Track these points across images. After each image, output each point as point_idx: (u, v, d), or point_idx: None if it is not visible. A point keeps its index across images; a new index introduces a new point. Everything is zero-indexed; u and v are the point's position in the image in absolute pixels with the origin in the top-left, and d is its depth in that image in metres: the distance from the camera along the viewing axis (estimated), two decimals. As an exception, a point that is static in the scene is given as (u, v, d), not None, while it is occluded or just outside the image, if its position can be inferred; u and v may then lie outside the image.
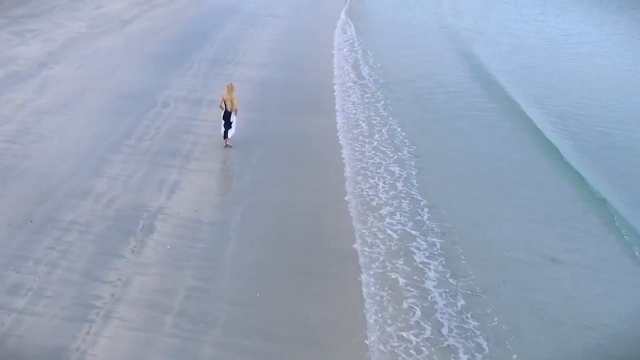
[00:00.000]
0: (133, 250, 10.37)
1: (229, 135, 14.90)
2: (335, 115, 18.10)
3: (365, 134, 16.88)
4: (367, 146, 16.01)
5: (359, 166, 14.78)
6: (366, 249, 11.26)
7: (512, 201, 14.09)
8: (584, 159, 16.39)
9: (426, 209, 12.87)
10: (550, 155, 16.68)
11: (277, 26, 29.81)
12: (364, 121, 17.83)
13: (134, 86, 18.76)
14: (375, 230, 11.92)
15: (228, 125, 14.81)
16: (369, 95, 20.30)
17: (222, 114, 14.71)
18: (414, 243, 11.57)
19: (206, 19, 29.59)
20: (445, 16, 35.92)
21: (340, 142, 16.17)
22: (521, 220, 13.20)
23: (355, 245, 11.29)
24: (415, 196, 13.44)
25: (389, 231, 11.90)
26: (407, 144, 16.29)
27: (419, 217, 12.56)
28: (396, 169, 14.72)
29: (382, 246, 11.37)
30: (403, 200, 13.18)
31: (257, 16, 31.40)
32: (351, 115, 18.25)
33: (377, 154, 15.55)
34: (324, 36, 28.40)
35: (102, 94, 17.82)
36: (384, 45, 28.10)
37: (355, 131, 17.00)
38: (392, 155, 15.54)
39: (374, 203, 12.97)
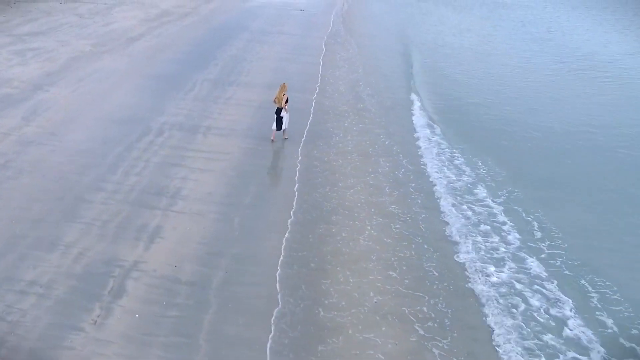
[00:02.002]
0: (95, 322, 8.36)
1: (282, 129, 15.52)
2: (346, 148, 15.98)
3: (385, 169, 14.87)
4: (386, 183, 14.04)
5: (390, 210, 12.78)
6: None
7: None
8: None
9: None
10: None
11: (284, 44, 27.75)
12: (383, 156, 15.73)
13: (130, 111, 16.79)
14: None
15: (279, 120, 15.36)
16: (370, 121, 18.25)
17: (275, 109, 15.45)
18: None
19: (213, 37, 27.58)
20: (447, 34, 33.62)
21: (349, 174, 14.15)
22: None
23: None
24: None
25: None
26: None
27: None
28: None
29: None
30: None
31: (265, 33, 29.35)
32: (368, 149, 16.14)
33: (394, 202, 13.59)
34: (331, 55, 26.31)
35: (94, 120, 15.86)
36: (390, 66, 26.01)
37: (368, 168, 14.89)
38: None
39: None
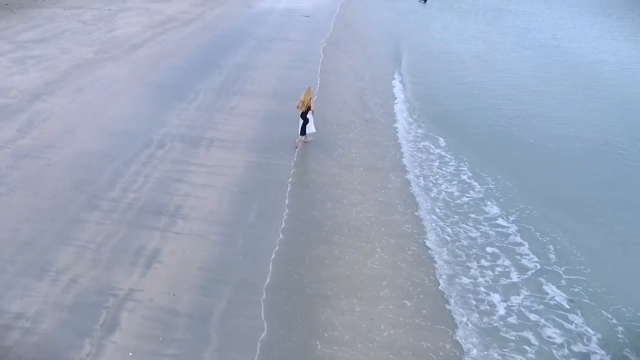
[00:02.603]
0: (84, 361, 7.59)
1: (307, 132, 15.17)
2: (352, 162, 15.11)
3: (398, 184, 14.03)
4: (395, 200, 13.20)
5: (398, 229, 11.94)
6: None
7: None
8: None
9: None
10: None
11: (290, 51, 26.89)
12: (394, 171, 14.93)
13: (130, 122, 15.98)
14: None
15: (304, 124, 15.04)
16: (379, 132, 17.39)
17: (300, 113, 15.16)
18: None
19: (218, 44, 26.76)
20: (453, 42, 32.72)
21: (355, 190, 13.29)
22: None
23: None
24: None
25: None
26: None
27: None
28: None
29: None
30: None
31: (271, 40, 28.53)
32: (377, 163, 15.33)
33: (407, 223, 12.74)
34: (336, 63, 25.48)
35: (93, 132, 15.05)
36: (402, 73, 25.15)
37: (377, 184, 14.07)
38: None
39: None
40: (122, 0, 34.77)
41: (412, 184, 14.04)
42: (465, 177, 14.81)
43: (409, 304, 9.41)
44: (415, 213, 12.60)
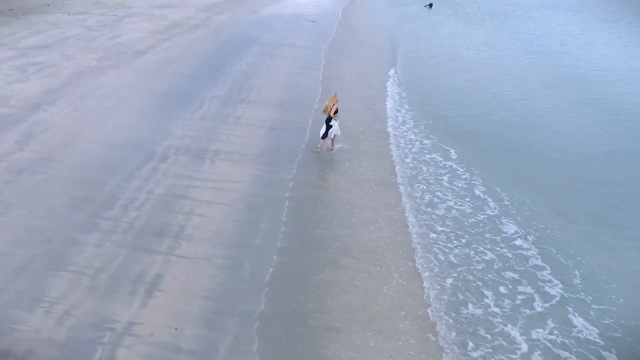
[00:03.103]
0: (76, 410, 6.78)
1: (332, 136, 14.93)
2: (362, 176, 14.27)
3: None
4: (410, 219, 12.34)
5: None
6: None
7: None
8: None
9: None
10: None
11: (296, 57, 26.08)
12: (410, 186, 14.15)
13: (133, 133, 15.21)
14: None
15: (328, 128, 14.72)
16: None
17: (325, 118, 14.91)
18: None
19: (223, 50, 25.98)
20: (461, 48, 31.85)
21: (366, 207, 12.45)
22: None
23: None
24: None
25: None
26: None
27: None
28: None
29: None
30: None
31: (276, 46, 27.74)
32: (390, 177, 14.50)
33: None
34: (342, 69, 24.65)
35: (93, 144, 14.27)
36: (406, 82, 24.27)
37: (391, 200, 13.24)
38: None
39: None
40: (128, 5, 34.06)
41: (421, 200, 13.21)
42: (478, 192, 13.87)
43: (432, 338, 8.58)
44: (429, 233, 11.78)
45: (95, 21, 29.01)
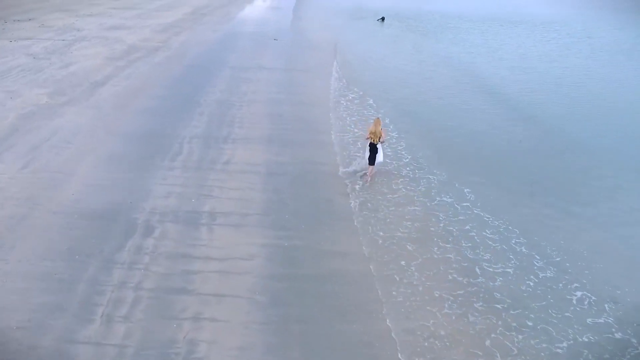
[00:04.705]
0: None
1: (376, 162, 13.21)
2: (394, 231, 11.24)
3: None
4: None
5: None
6: None
7: None
8: None
9: None
10: None
11: (270, 81, 22.63)
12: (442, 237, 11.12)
13: (104, 195, 11.46)
14: None
15: (374, 151, 13.05)
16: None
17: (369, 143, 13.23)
18: None
19: (191, 75, 22.15)
20: (429, 64, 29.51)
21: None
22: None
23: None
24: None
25: None
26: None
27: None
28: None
29: None
30: None
31: (246, 69, 24.16)
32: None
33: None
34: (321, 93, 21.51)
35: (54, 216, 10.44)
36: (396, 103, 21.44)
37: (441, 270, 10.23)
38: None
39: None
40: (77, 28, 29.18)
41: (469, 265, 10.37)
42: (522, 248, 10.93)
43: None
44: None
45: (42, 48, 24.24)
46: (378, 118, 13.55)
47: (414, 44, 35.51)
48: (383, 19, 48.76)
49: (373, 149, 13.09)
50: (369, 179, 13.32)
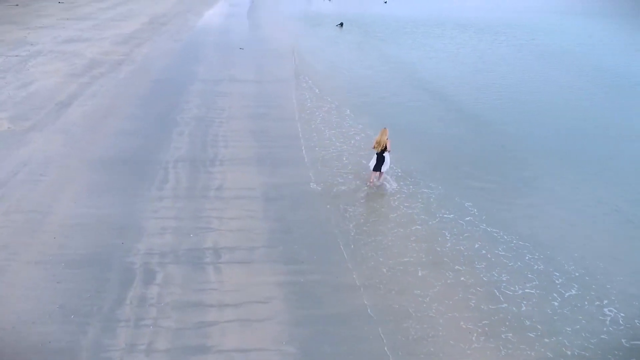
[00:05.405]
0: None
1: (383, 169, 13.07)
2: (401, 256, 10.38)
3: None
4: None
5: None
6: None
7: None
8: None
9: None
10: None
11: (243, 94, 21.33)
12: (458, 262, 10.35)
13: (90, 237, 9.97)
14: None
15: (381, 159, 12.87)
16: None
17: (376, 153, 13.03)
18: None
19: (162, 91, 20.49)
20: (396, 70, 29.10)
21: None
22: None
23: None
24: None
25: None
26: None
27: None
28: None
29: None
30: None
31: (218, 82, 22.70)
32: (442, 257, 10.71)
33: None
34: (300, 105, 20.49)
35: (30, 272, 8.87)
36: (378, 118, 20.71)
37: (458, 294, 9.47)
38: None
39: None
40: (30, 42, 26.51)
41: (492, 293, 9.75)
42: (540, 265, 10.59)
43: None
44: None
45: (-7, 65, 21.81)
46: (385, 128, 12.94)
47: (377, 50, 35.07)
48: (342, 24, 48.13)
49: (380, 158, 12.98)
50: (371, 183, 13.25)
